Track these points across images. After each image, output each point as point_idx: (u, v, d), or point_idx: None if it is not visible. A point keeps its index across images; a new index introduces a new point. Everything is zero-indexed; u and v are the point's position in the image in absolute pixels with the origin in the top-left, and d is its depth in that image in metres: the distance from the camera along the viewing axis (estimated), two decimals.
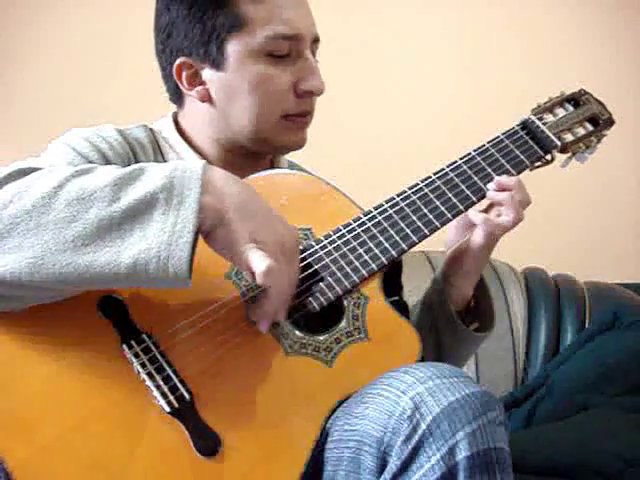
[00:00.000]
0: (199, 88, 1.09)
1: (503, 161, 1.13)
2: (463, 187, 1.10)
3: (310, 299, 0.99)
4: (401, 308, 1.04)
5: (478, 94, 2.24)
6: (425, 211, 1.07)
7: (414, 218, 1.06)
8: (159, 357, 0.89)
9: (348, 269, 1.01)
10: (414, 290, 1.35)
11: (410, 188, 1.09)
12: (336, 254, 1.02)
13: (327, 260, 1.01)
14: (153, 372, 0.88)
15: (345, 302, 1.00)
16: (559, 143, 1.17)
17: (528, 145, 1.15)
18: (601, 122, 1.22)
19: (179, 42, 1.08)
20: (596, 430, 1.52)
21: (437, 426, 0.80)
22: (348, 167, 1.88)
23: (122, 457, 0.84)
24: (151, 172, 0.85)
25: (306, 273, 0.99)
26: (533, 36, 2.27)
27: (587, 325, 1.90)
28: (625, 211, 2.33)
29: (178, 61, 1.09)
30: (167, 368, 0.89)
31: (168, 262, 0.80)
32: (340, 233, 1.03)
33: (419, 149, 2.07)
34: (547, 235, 2.17)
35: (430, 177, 1.10)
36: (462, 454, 0.79)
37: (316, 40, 1.11)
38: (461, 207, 1.09)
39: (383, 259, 1.02)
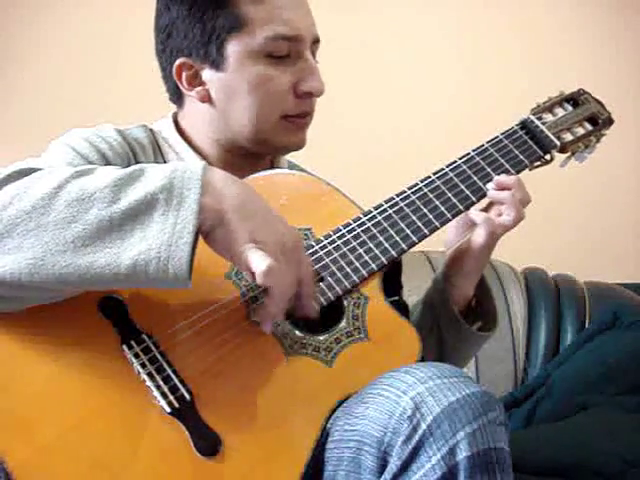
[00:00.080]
0: (199, 88, 1.09)
1: (502, 161, 1.13)
2: (463, 187, 1.10)
3: None
4: (401, 308, 1.04)
5: (478, 94, 2.24)
6: (425, 211, 1.07)
7: (414, 218, 1.06)
8: (159, 357, 0.89)
9: (348, 269, 1.01)
10: (414, 290, 1.35)
11: (410, 188, 1.09)
12: (336, 254, 1.02)
13: (327, 260, 1.01)
14: (153, 372, 0.88)
15: (345, 302, 1.00)
16: (558, 143, 1.17)
17: (527, 145, 1.15)
18: (600, 122, 1.22)
19: (179, 42, 1.08)
20: (596, 430, 1.52)
21: (437, 426, 0.80)
22: (348, 167, 1.88)
23: (122, 457, 0.84)
24: (151, 173, 0.85)
25: None
26: (533, 36, 2.27)
27: (587, 325, 1.90)
28: (625, 211, 2.33)
29: (178, 61, 1.09)
30: (167, 368, 0.89)
31: (168, 263, 0.80)
32: (340, 233, 1.03)
33: (419, 149, 2.07)
34: (547, 235, 2.17)
35: (430, 177, 1.10)
36: (462, 454, 0.79)
37: (316, 41, 1.11)
38: (461, 207, 1.09)
39: (383, 259, 1.03)
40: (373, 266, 1.02)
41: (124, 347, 0.89)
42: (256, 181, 1.03)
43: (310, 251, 1.01)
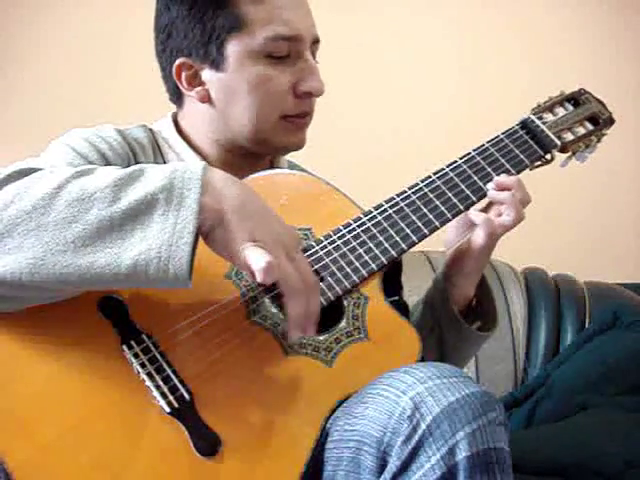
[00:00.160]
0: (199, 89, 1.09)
1: (503, 161, 1.13)
2: (463, 187, 1.10)
3: None
4: (401, 308, 1.04)
5: (478, 94, 2.24)
6: (425, 211, 1.07)
7: (414, 218, 1.06)
8: (159, 357, 0.89)
9: (348, 269, 1.01)
10: (414, 290, 1.36)
11: (410, 188, 1.09)
12: (336, 254, 1.02)
13: (327, 260, 1.01)
14: (153, 372, 0.88)
15: (345, 302, 1.00)
16: (559, 142, 1.17)
17: (528, 145, 1.15)
18: (601, 121, 1.22)
19: (179, 42, 1.08)
20: (596, 430, 1.52)
21: (437, 426, 0.80)
22: (348, 167, 1.88)
23: (122, 457, 0.84)
24: (151, 173, 0.85)
25: None
26: (533, 36, 2.27)
27: (587, 325, 1.90)
28: (625, 211, 2.34)
29: (178, 61, 1.09)
30: (167, 368, 0.89)
31: (168, 263, 0.80)
32: (340, 233, 1.03)
33: (419, 149, 2.07)
34: (547, 235, 2.17)
35: (430, 177, 1.10)
36: (462, 454, 0.79)
37: (316, 41, 1.11)
38: (461, 207, 1.09)
39: (383, 259, 1.02)
40: (373, 266, 1.02)
41: (124, 347, 0.89)
42: (256, 181, 1.03)
43: (310, 251, 1.01)
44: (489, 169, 1.12)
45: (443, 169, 1.11)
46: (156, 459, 0.85)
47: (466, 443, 0.79)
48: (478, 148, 1.13)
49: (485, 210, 1.12)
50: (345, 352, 0.96)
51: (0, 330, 0.87)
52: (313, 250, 1.01)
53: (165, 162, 1.13)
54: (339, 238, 1.03)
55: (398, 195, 1.08)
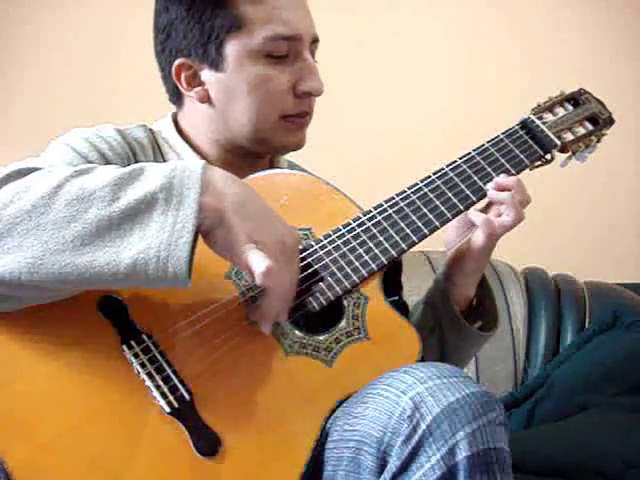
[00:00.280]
0: (198, 89, 1.09)
1: (503, 161, 1.13)
2: (463, 187, 1.10)
3: (310, 299, 0.98)
4: (401, 308, 1.04)
5: (478, 94, 2.24)
6: (425, 211, 1.07)
7: (414, 218, 1.06)
8: (159, 357, 0.89)
9: (348, 269, 1.01)
10: (414, 290, 1.36)
11: (410, 188, 1.09)
12: (336, 254, 1.02)
13: (327, 260, 1.01)
14: (153, 372, 0.88)
15: (345, 302, 1.00)
16: (559, 142, 1.17)
17: (528, 145, 1.15)
18: (601, 121, 1.22)
19: (178, 43, 1.08)
20: (596, 430, 1.52)
21: (437, 426, 0.80)
22: (348, 167, 1.88)
23: (122, 457, 0.84)
24: (151, 172, 0.85)
25: (306, 273, 0.99)
26: (533, 36, 2.27)
27: (587, 325, 1.90)
28: (625, 211, 2.33)
29: (177, 62, 1.09)
30: (167, 368, 0.89)
31: (168, 262, 0.80)
32: (340, 233, 1.03)
33: (419, 149, 2.07)
34: (547, 235, 2.17)
35: (430, 177, 1.10)
36: (462, 454, 0.79)
37: (315, 41, 1.11)
38: (461, 207, 1.09)
39: (383, 259, 1.02)
40: (373, 266, 1.02)
41: (124, 347, 0.89)
42: (256, 181, 1.03)
43: (310, 251, 1.01)
44: (489, 169, 1.12)
45: (443, 169, 1.11)
46: (156, 459, 0.85)
47: (466, 443, 0.79)
48: (478, 148, 1.13)
49: (485, 210, 1.12)
50: (345, 352, 0.96)
51: (0, 330, 0.87)
52: (313, 250, 1.01)
53: (165, 162, 1.13)
54: (339, 238, 1.03)
55: (398, 195, 1.08)
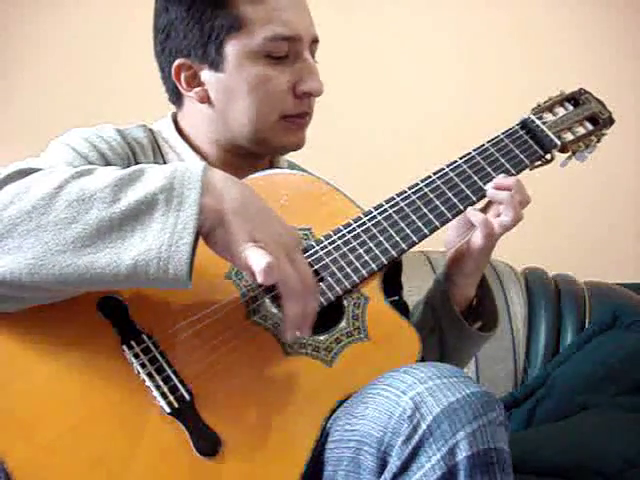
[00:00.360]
0: (198, 89, 1.09)
1: (503, 160, 1.13)
2: (463, 187, 1.10)
3: None
4: (401, 308, 1.04)
5: (478, 94, 2.24)
6: (425, 211, 1.07)
7: (414, 218, 1.06)
8: (159, 357, 0.89)
9: (348, 269, 1.01)
10: (414, 290, 1.36)
11: (410, 188, 1.09)
12: (336, 254, 1.02)
13: (327, 260, 1.01)
14: (153, 372, 0.88)
15: (345, 302, 1.00)
16: (559, 142, 1.17)
17: (528, 144, 1.15)
18: (601, 121, 1.22)
19: (178, 43, 1.08)
20: (596, 430, 1.53)
21: (437, 426, 0.80)
22: (348, 167, 1.88)
23: (122, 457, 0.84)
24: (151, 173, 0.85)
25: None
26: (533, 36, 2.27)
27: (587, 325, 1.90)
28: (625, 211, 2.34)
29: (177, 62, 1.09)
30: (167, 368, 0.89)
31: (168, 263, 0.80)
32: (340, 233, 1.03)
33: (419, 149, 2.07)
34: (547, 235, 2.17)
35: (430, 177, 1.10)
36: (462, 454, 0.79)
37: (315, 41, 1.11)
38: (461, 207, 1.09)
39: (383, 259, 1.02)
40: (373, 266, 1.02)
41: (124, 347, 0.89)
42: (256, 181, 1.03)
43: (310, 251, 1.01)
44: (489, 169, 1.12)
45: (443, 169, 1.11)
46: (156, 459, 0.85)
47: (466, 443, 0.79)
48: (478, 148, 1.13)
49: (484, 210, 1.12)
50: (345, 352, 0.96)
51: (0, 330, 0.87)
52: (313, 250, 1.01)
53: (165, 162, 1.13)
54: (339, 238, 1.03)
55: (398, 195, 1.08)
